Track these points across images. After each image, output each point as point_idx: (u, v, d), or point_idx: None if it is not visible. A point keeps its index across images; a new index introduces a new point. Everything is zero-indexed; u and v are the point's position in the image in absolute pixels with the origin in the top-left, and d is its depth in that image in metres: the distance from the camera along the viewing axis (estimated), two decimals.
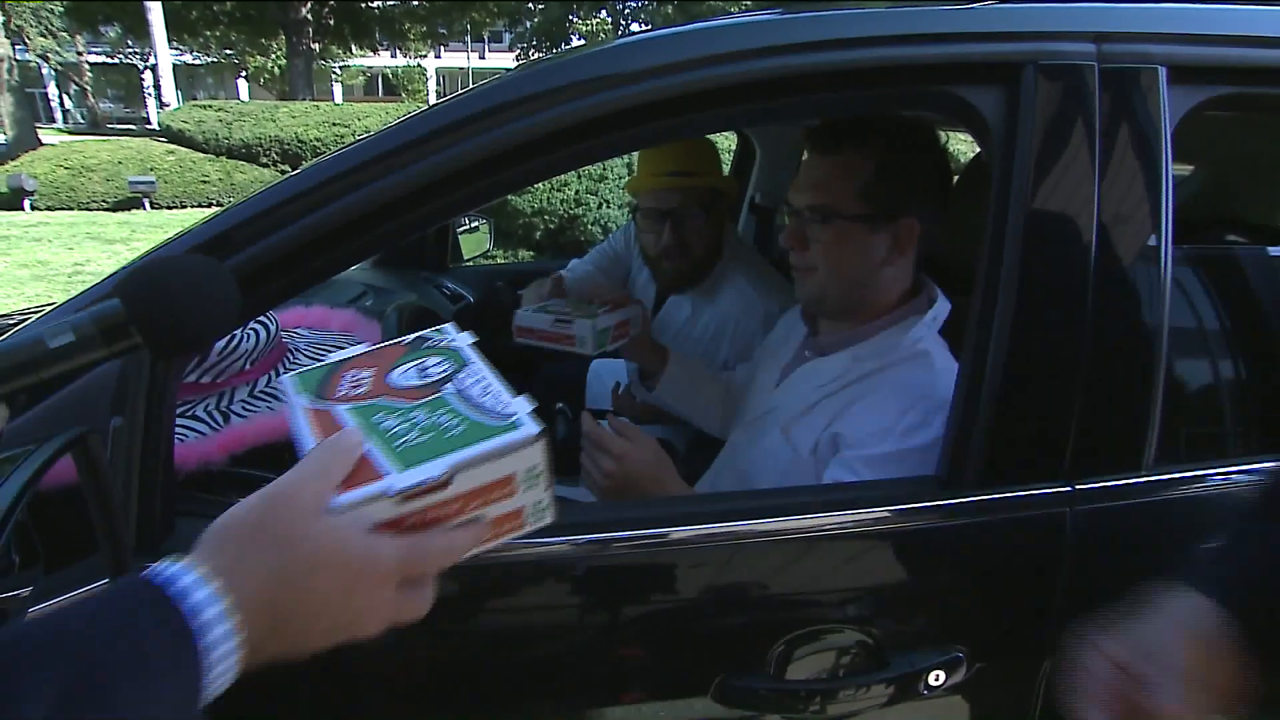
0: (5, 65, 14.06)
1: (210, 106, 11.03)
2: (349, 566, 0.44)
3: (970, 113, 0.79)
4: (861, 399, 0.95)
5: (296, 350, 1.15)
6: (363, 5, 17.49)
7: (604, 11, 20.03)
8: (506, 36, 23.67)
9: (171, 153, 10.05)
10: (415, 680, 0.78)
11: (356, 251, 0.76)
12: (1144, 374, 0.80)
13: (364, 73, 33.72)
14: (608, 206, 6.00)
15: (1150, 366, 0.80)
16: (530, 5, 19.39)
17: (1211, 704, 0.56)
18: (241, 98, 23.85)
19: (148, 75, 23.94)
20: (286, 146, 10.05)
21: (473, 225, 2.29)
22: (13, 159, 10.30)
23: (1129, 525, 0.83)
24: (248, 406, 0.99)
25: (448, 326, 0.62)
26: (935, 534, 0.81)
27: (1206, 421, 1.07)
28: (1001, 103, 0.78)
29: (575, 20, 19.95)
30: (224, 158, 10.13)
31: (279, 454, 0.98)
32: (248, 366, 1.03)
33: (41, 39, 23.21)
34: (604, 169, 5.95)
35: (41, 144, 11.16)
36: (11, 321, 1.34)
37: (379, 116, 10.35)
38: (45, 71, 27.49)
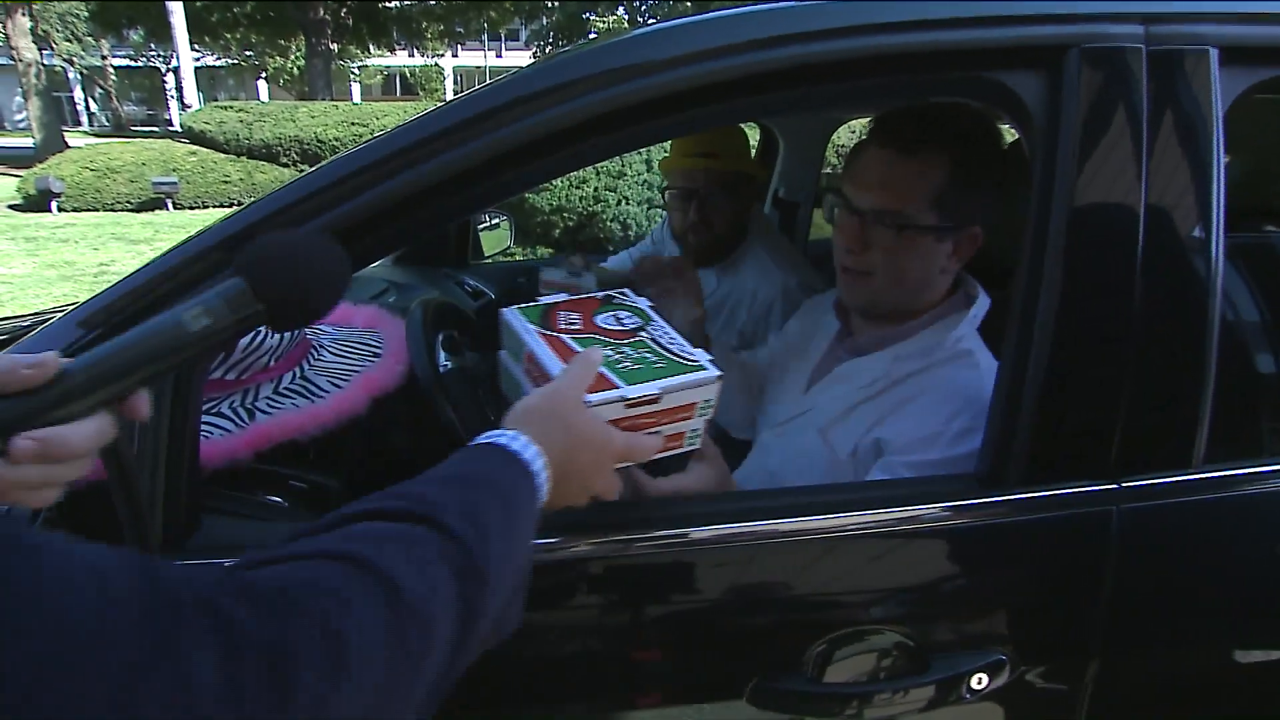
0: (33, 70, 14.31)
1: (231, 107, 11.14)
2: (597, 445, 0.62)
3: (1011, 99, 0.76)
4: (907, 402, 0.92)
5: (320, 346, 1.14)
6: (380, 5, 17.58)
7: (621, 8, 19.99)
8: (523, 34, 23.71)
9: (193, 153, 10.15)
10: None
11: (385, 241, 0.75)
12: (1194, 367, 0.77)
13: (382, 72, 33.88)
14: (627, 203, 5.98)
15: (1201, 359, 0.77)
16: (547, 3, 19.40)
17: None
18: (261, 98, 24.13)
19: (170, 78, 24.23)
20: (306, 146, 10.13)
21: (493, 222, 2.28)
22: (40, 162, 10.47)
23: (1178, 524, 0.80)
24: (272, 403, 0.99)
25: (627, 290, 0.81)
26: (976, 533, 0.79)
27: (1260, 417, 1.04)
28: (1044, 88, 0.76)
29: (592, 18, 19.92)
30: (245, 158, 10.23)
31: (304, 450, 0.97)
32: (272, 363, 1.02)
33: (67, 44, 23.60)
34: (623, 165, 5.93)
35: (68, 146, 11.33)
36: (41, 319, 1.35)
37: (397, 115, 10.40)
38: (71, 76, 27.94)
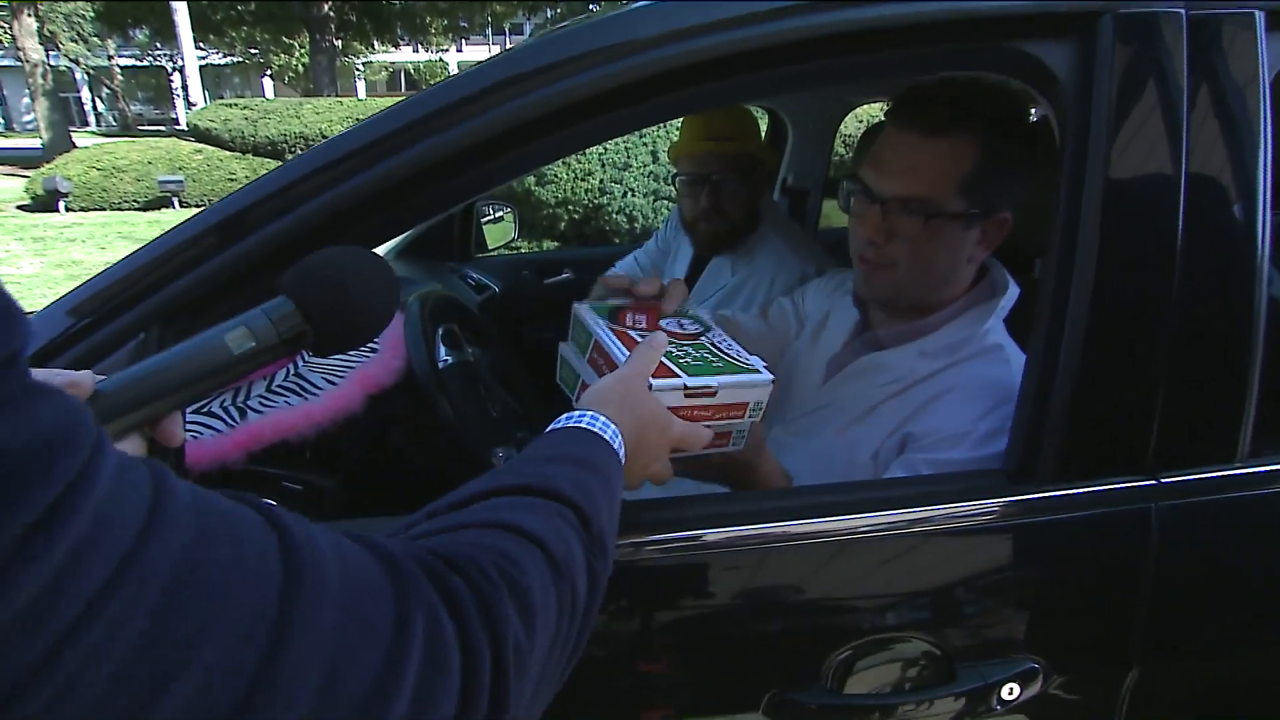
0: (40, 71, 14.36)
1: (236, 105, 11.12)
2: (660, 428, 0.65)
3: (1039, 70, 0.72)
4: (937, 399, 0.86)
5: None
6: (384, 1, 17.55)
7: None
8: (527, 28, 23.65)
9: (199, 152, 10.14)
10: None
11: (382, 227, 0.72)
12: (1238, 355, 0.72)
13: (386, 68, 33.90)
14: (632, 195, 5.93)
15: (1245, 346, 0.72)
16: None
17: None
18: (267, 96, 24.13)
19: (176, 77, 24.26)
20: (311, 142, 10.09)
21: (497, 215, 2.24)
22: (48, 162, 10.50)
23: (1220, 522, 0.75)
24: (265, 401, 0.95)
25: (691, 302, 0.85)
26: (1005, 533, 0.74)
27: None
28: (1075, 58, 0.71)
29: (595, 10, 19.83)
30: (250, 155, 10.21)
31: (298, 450, 0.94)
32: None
33: (73, 44, 23.67)
34: (628, 157, 5.88)
35: (75, 146, 11.35)
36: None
37: None
38: (78, 76, 28.07)
